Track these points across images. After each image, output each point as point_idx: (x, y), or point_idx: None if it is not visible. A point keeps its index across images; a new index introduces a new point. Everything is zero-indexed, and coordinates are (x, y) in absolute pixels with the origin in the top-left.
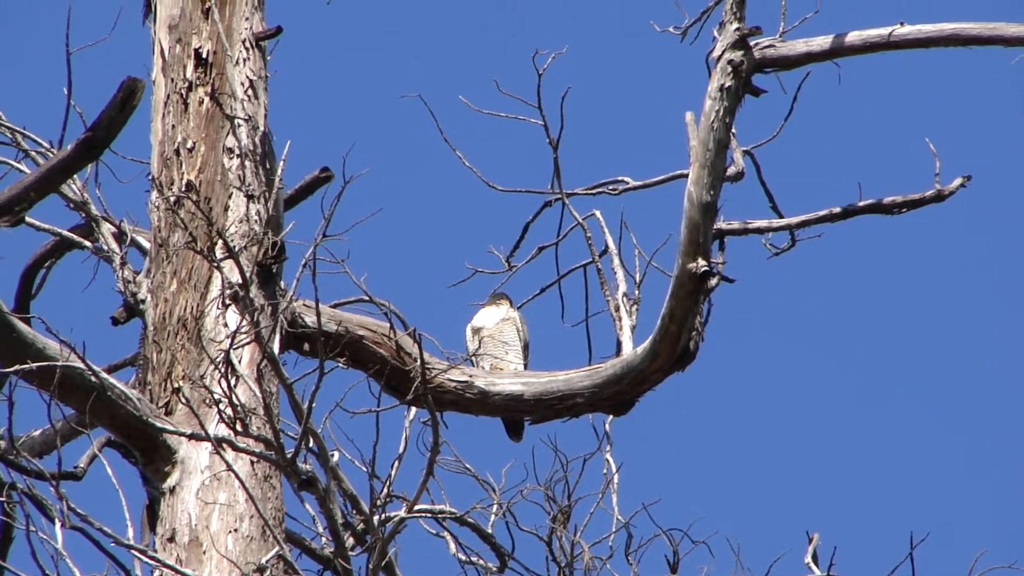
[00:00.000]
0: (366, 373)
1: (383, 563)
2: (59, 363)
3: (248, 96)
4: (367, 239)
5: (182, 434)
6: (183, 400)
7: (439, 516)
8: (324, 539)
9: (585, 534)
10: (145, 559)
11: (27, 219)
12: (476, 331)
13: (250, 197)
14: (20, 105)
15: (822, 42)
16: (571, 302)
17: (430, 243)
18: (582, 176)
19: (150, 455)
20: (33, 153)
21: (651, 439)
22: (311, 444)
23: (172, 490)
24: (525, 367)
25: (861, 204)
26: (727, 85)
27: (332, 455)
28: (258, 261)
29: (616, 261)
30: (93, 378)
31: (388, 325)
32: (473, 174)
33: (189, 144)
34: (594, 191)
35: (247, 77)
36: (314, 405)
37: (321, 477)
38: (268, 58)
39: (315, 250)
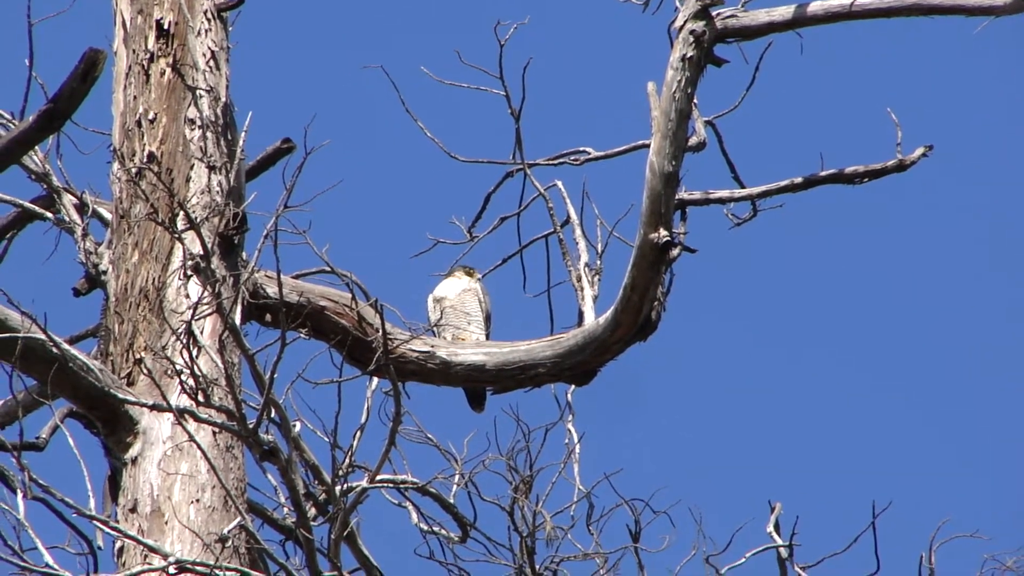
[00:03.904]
0: (328, 344)
1: (345, 533)
2: (21, 334)
3: (210, 67)
4: (329, 210)
5: (144, 405)
6: (145, 371)
7: (401, 486)
8: (286, 509)
9: (547, 504)
10: (107, 529)
11: None
12: (438, 301)
13: (212, 168)
14: None
15: (784, 12)
16: (533, 272)
17: (392, 214)
18: (544, 146)
19: (112, 426)
20: None
21: (613, 409)
22: (273, 414)
23: (134, 461)
24: (487, 337)
25: (823, 174)
26: (689, 55)
27: (294, 425)
28: (220, 232)
29: (578, 231)
30: (55, 349)
31: (350, 296)
32: (435, 145)
33: (151, 115)
34: (556, 161)
35: (209, 48)
36: (276, 376)
37: (283, 447)
38: (230, 29)
39: (277, 221)
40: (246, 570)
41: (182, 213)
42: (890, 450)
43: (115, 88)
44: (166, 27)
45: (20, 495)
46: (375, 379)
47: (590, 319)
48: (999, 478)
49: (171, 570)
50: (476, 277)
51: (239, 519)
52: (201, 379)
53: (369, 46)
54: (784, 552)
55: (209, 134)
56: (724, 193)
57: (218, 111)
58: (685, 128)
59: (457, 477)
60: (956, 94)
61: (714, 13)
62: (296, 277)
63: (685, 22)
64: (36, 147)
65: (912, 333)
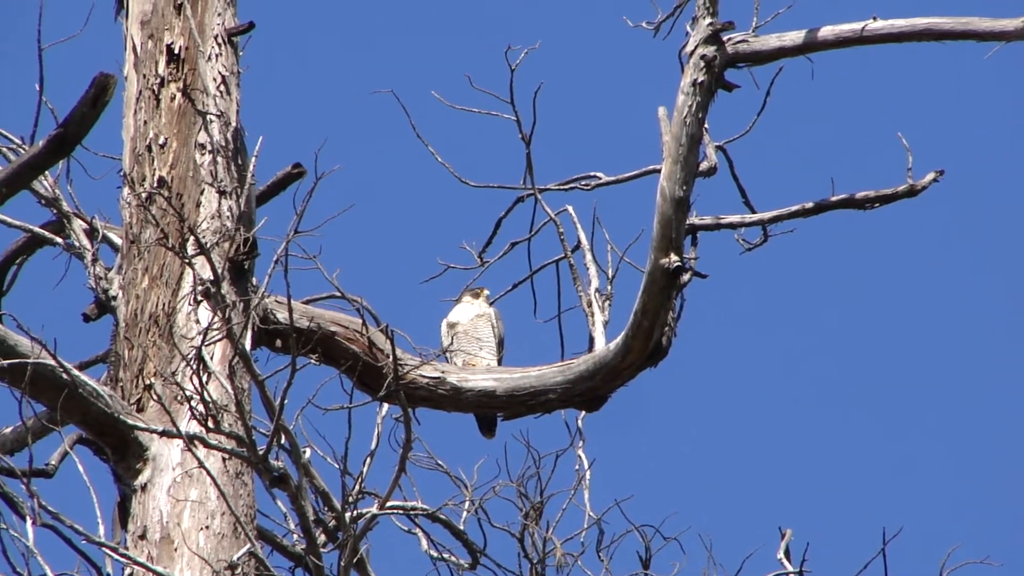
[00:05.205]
0: (338, 369)
1: (355, 560)
2: (30, 360)
3: (220, 92)
4: (339, 235)
5: (154, 431)
6: (155, 397)
7: (411, 513)
8: (296, 536)
9: (557, 530)
10: (116, 556)
11: None
12: (451, 327)
13: (222, 193)
14: None
15: (795, 37)
16: (543, 298)
17: (402, 239)
18: (555, 172)
19: (121, 452)
20: (4, 149)
21: (623, 435)
22: (283, 441)
23: (144, 487)
24: (500, 363)
25: (833, 199)
26: (700, 80)
27: (304, 452)
28: (230, 257)
29: (588, 256)
30: (64, 375)
31: (360, 321)
32: (446, 170)
33: (161, 140)
34: (566, 186)
35: (219, 73)
36: (286, 401)
37: (293, 474)
38: (240, 54)
39: (287, 246)
40: None
41: (192, 238)
42: (901, 475)
43: (125, 113)
44: (177, 52)
45: (29, 522)
46: (385, 405)
47: (601, 345)
48: (1011, 504)
49: None
50: (484, 294)
51: (249, 546)
52: (211, 405)
53: (380, 71)
54: None
55: (219, 159)
56: (735, 218)
57: (228, 136)
58: (696, 153)
59: (467, 503)
60: (968, 119)
61: (725, 38)
62: (306, 302)
63: (696, 47)
64: (46, 172)
65: (923, 356)
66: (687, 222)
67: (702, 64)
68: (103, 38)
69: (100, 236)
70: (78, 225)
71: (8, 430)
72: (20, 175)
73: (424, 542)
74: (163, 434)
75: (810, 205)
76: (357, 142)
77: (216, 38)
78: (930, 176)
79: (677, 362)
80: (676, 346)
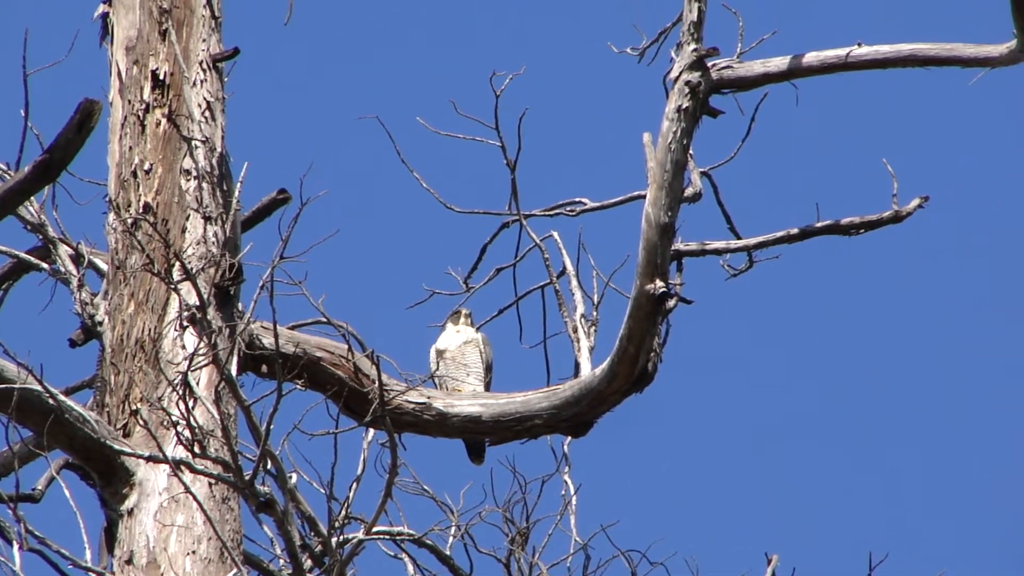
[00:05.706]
0: (324, 395)
1: None
2: (16, 385)
3: (205, 117)
4: (325, 261)
5: (140, 456)
6: (141, 422)
7: (397, 538)
8: (282, 561)
9: (543, 556)
10: None
11: None
12: (440, 353)
13: (207, 219)
14: None
15: (779, 63)
16: (529, 323)
17: (388, 265)
18: (540, 197)
19: (108, 477)
20: None
21: (609, 461)
22: (269, 466)
23: (130, 512)
24: (487, 387)
25: (819, 225)
26: (684, 106)
27: (290, 477)
28: (215, 283)
29: (574, 282)
30: (51, 400)
31: (346, 347)
32: (431, 196)
33: (146, 166)
34: (552, 212)
35: (204, 99)
36: (272, 427)
37: (279, 499)
38: (225, 79)
39: (272, 272)
40: None
41: (178, 264)
42: (888, 501)
43: (111, 139)
44: (162, 78)
45: (16, 547)
46: (371, 430)
47: (586, 370)
48: (996, 529)
49: None
50: (463, 313)
51: (235, 571)
52: (197, 430)
53: (365, 96)
54: None
55: (205, 185)
56: (720, 244)
57: (214, 162)
58: (681, 179)
59: (453, 529)
60: (953, 145)
61: (710, 64)
62: (292, 328)
63: (681, 73)
64: (32, 198)
65: (909, 381)
66: (672, 248)
67: (687, 90)
68: (88, 64)
69: (86, 262)
70: (64, 251)
71: None
72: (6, 201)
73: (410, 567)
74: (149, 459)
75: (795, 231)
76: (342, 168)
77: (201, 64)
78: (915, 202)
79: (663, 387)
80: (662, 371)
